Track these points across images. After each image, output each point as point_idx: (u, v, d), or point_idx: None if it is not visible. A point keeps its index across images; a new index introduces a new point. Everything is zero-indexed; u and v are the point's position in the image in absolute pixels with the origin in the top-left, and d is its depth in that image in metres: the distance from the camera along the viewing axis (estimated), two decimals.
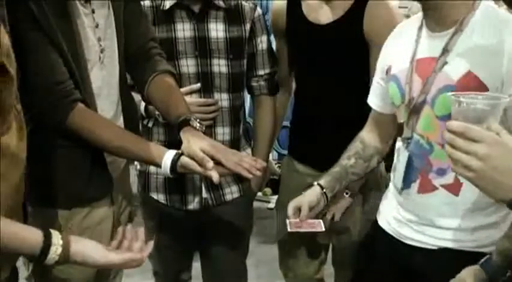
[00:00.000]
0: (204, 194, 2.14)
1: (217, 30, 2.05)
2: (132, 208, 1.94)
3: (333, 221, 2.16)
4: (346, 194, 2.16)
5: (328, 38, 2.09)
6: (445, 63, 1.54)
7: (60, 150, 1.62)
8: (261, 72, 2.18)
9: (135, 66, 1.83)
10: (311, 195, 1.86)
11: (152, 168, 2.15)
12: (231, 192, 2.19)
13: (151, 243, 1.42)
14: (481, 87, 1.46)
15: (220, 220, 2.20)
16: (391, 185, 1.80)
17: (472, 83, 1.48)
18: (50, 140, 1.59)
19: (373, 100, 1.87)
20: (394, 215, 1.75)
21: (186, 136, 1.66)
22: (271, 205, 3.02)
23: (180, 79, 2.04)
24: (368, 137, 1.92)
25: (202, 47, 2.05)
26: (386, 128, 1.86)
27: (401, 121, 1.68)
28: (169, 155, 1.62)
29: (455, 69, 1.52)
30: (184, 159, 1.61)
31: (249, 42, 2.12)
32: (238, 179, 2.18)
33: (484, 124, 1.06)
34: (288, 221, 1.82)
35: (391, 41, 1.79)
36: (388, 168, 2.13)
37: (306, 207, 1.82)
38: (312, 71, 2.19)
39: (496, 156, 1.03)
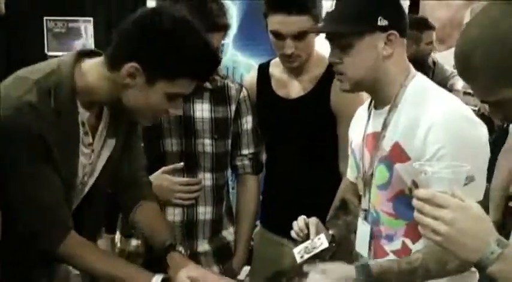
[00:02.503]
0: None
1: (202, 110, 2.08)
2: None
3: None
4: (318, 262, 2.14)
5: (297, 112, 2.16)
6: (384, 137, 1.65)
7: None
8: (245, 151, 2.19)
9: (123, 192, 1.86)
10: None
11: (132, 248, 2.12)
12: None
13: None
14: (406, 157, 1.57)
15: None
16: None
17: (398, 153, 1.59)
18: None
19: (348, 171, 1.94)
20: None
21: (172, 262, 1.69)
22: (241, 277, 2.98)
23: (164, 157, 2.05)
24: (354, 199, 1.94)
25: (187, 126, 2.06)
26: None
27: (360, 193, 1.78)
28: (156, 280, 1.61)
29: (387, 141, 1.63)
30: None
31: (234, 123, 2.14)
32: (219, 259, 2.16)
33: (448, 191, 1.14)
34: (294, 251, 1.80)
35: (355, 116, 1.89)
36: None
37: (313, 223, 1.79)
38: (282, 144, 2.24)
39: (462, 220, 1.11)
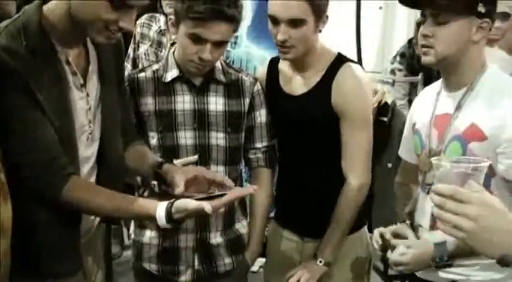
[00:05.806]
0: (197, 266, 2.12)
1: (216, 103, 2.08)
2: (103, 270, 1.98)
3: None
4: (320, 262, 2.14)
5: (301, 108, 2.14)
6: (457, 117, 1.78)
7: (36, 226, 1.65)
8: (258, 144, 2.19)
9: None
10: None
11: (146, 239, 2.14)
12: (224, 264, 2.17)
13: None
14: (482, 136, 1.71)
15: None
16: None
17: (474, 132, 1.72)
18: (30, 214, 1.62)
19: (403, 152, 2.10)
20: None
21: (166, 173, 1.83)
22: (255, 268, 2.99)
23: (177, 150, 2.06)
24: (408, 187, 2.10)
25: (201, 119, 2.07)
26: (414, 175, 2.01)
27: (424, 169, 1.89)
28: (162, 205, 1.64)
29: (462, 121, 1.77)
30: (177, 203, 1.63)
31: (248, 116, 2.14)
32: (231, 251, 2.17)
33: (466, 186, 1.13)
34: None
35: (418, 100, 2.05)
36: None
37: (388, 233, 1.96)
38: (290, 140, 2.23)
39: (485, 216, 1.10)
